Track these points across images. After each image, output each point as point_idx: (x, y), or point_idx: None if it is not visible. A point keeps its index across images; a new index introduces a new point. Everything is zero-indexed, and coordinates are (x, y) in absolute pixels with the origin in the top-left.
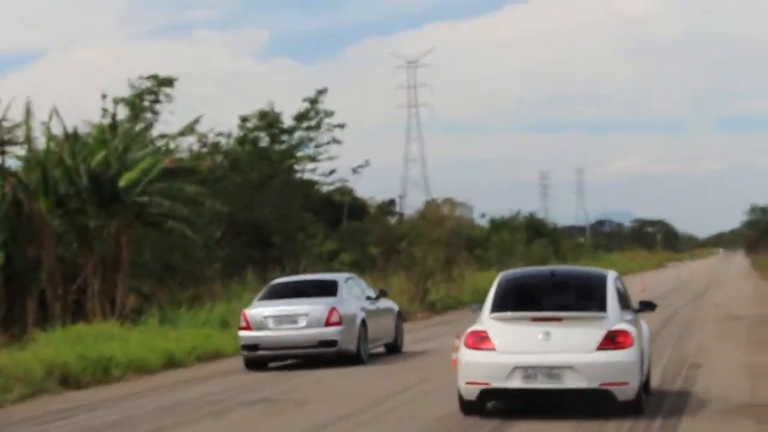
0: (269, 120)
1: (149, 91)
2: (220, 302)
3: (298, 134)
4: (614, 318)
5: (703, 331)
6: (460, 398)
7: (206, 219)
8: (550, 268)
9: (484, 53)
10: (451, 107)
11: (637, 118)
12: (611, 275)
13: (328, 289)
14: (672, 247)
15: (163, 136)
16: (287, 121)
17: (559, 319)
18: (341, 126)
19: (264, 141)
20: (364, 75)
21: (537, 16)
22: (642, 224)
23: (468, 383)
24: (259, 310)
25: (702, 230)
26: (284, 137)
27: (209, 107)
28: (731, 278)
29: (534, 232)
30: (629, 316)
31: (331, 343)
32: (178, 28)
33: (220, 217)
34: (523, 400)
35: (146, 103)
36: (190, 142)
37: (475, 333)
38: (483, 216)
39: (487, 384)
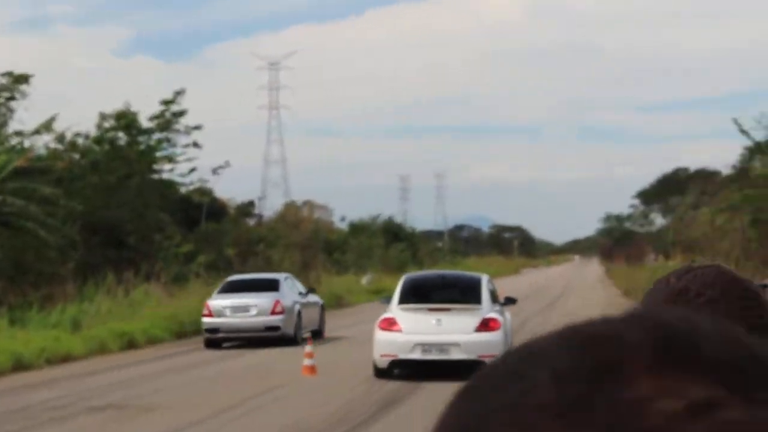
0: (127, 120)
1: (4, 88)
2: (73, 303)
3: (156, 135)
4: (487, 309)
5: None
6: (375, 367)
7: (61, 219)
8: (440, 272)
9: (346, 57)
10: (313, 110)
11: (497, 126)
12: (485, 278)
13: (272, 285)
14: (529, 252)
15: (18, 134)
16: (145, 122)
17: (447, 310)
18: (198, 128)
19: (122, 141)
20: (227, 75)
21: (399, 22)
22: (500, 230)
23: (382, 355)
24: (219, 301)
25: (558, 237)
26: (142, 138)
27: (68, 105)
28: (585, 286)
29: (392, 236)
30: (497, 308)
31: (275, 328)
32: (39, 22)
33: (75, 217)
34: (421, 367)
35: (0, 100)
36: (46, 141)
37: (386, 319)
38: (342, 219)
39: (395, 356)
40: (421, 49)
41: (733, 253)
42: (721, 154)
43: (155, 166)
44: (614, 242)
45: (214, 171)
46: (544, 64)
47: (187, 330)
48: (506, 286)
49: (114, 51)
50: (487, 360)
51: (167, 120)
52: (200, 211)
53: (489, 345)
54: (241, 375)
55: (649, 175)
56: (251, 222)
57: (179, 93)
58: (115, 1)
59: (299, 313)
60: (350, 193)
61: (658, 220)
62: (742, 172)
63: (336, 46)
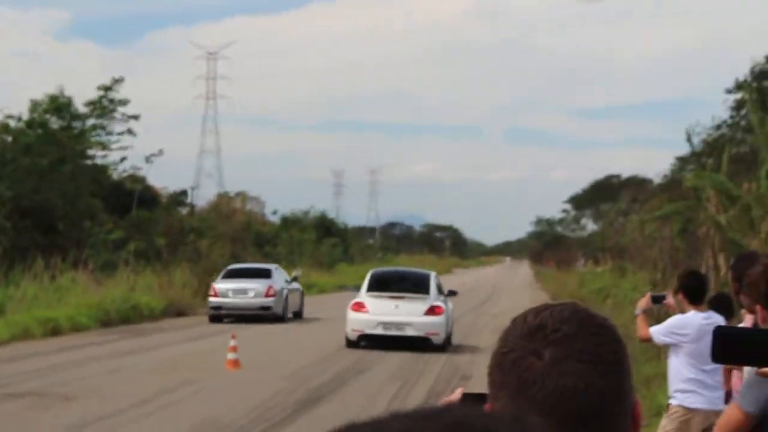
0: (59, 104)
1: None
2: None
3: (90, 122)
4: (433, 298)
5: (478, 341)
6: (347, 339)
7: None
8: (399, 268)
9: (285, 49)
10: (250, 101)
11: (434, 124)
12: (432, 274)
13: (265, 273)
14: (460, 253)
15: None
16: (81, 107)
17: (403, 297)
18: (135, 117)
19: (55, 125)
20: (166, 63)
21: (341, 17)
22: (432, 229)
23: (353, 330)
24: (222, 284)
25: (490, 238)
26: (76, 123)
27: (2, 87)
28: (514, 288)
29: (324, 231)
30: (442, 298)
31: (268, 308)
32: None
33: (3, 200)
34: (382, 341)
35: None
36: None
37: (357, 303)
38: (274, 212)
39: (362, 331)
40: (359, 44)
41: (661, 261)
42: (651, 164)
43: (89, 152)
44: (545, 246)
45: (148, 159)
46: (481, 64)
47: (112, 318)
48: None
49: (51, 34)
50: (432, 337)
51: (104, 107)
52: (132, 199)
53: (434, 325)
54: (164, 367)
55: (581, 180)
56: (184, 211)
57: (118, 80)
58: None
59: (286, 297)
60: (283, 186)
61: (590, 226)
62: (673, 182)
63: (275, 38)
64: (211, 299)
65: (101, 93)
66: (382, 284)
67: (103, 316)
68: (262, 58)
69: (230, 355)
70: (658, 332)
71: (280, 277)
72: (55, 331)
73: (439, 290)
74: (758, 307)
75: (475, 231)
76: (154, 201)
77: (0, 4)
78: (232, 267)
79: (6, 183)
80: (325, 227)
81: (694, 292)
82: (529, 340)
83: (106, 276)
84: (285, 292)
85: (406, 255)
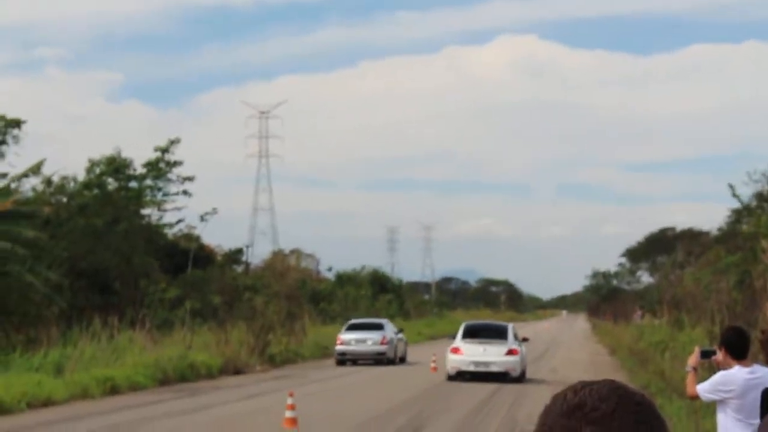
0: (116, 165)
1: None
2: (56, 347)
3: (147, 182)
4: (510, 342)
5: (537, 396)
6: (448, 374)
7: (46, 262)
8: (484, 321)
9: (336, 108)
10: (303, 160)
11: (485, 181)
12: (510, 325)
13: (379, 326)
14: (515, 307)
15: (2, 176)
16: (137, 167)
17: (488, 342)
18: (190, 178)
19: (111, 186)
20: (217, 123)
21: (391, 75)
22: (487, 283)
23: (451, 367)
24: (346, 335)
25: (545, 292)
26: (132, 184)
27: (59, 149)
28: (571, 341)
29: (379, 287)
30: (517, 342)
31: (382, 354)
32: (29, 65)
33: (60, 260)
34: (474, 376)
35: None
36: (34, 184)
37: (454, 348)
38: (329, 269)
39: (459, 368)
40: (411, 102)
41: (719, 314)
42: (706, 216)
43: (143, 212)
44: (601, 299)
45: (202, 218)
46: (531, 123)
47: (170, 377)
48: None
49: (105, 96)
50: (510, 372)
51: (160, 168)
52: (187, 258)
53: (512, 363)
54: (222, 426)
55: (633, 234)
56: (239, 269)
57: (174, 141)
58: (105, 45)
59: (395, 344)
60: (337, 243)
61: (645, 278)
62: (728, 234)
63: (327, 97)
64: (338, 347)
65: (158, 154)
66: (472, 333)
67: (161, 375)
68: (313, 116)
69: (287, 413)
70: (703, 390)
71: (390, 329)
72: (113, 391)
73: (515, 337)
74: None
75: (530, 285)
76: (209, 259)
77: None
78: (353, 321)
79: (62, 243)
80: (380, 283)
81: (736, 347)
82: (568, 418)
83: (163, 335)
84: (395, 341)
85: (462, 310)
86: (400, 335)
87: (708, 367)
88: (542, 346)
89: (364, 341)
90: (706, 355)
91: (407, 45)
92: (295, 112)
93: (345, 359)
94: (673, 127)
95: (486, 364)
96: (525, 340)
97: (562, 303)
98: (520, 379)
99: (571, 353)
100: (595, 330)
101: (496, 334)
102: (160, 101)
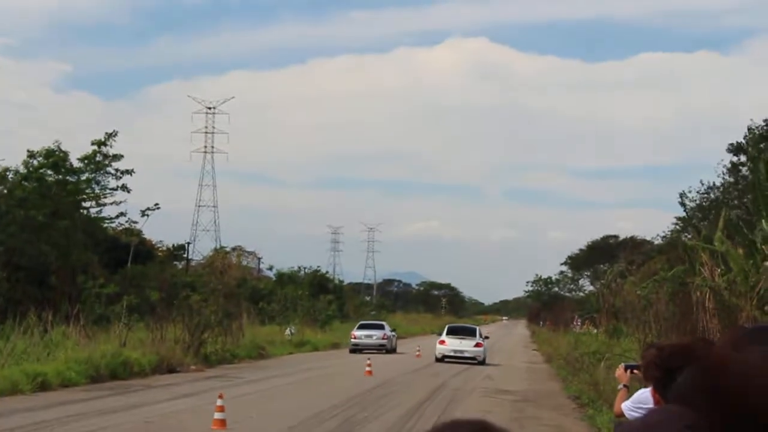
0: (55, 159)
1: None
2: None
3: (85, 176)
4: (478, 338)
5: (468, 404)
6: (436, 357)
7: None
8: (460, 324)
9: (285, 106)
10: (247, 156)
11: (433, 182)
12: (477, 327)
13: (381, 326)
14: (456, 311)
15: None
16: (73, 161)
17: (463, 338)
18: (129, 172)
19: (50, 178)
20: (164, 116)
21: (340, 74)
22: (429, 287)
23: (439, 353)
24: (358, 332)
25: (488, 296)
26: (71, 177)
27: (2, 137)
28: (509, 349)
29: (319, 287)
30: (482, 338)
31: (383, 346)
32: None
33: None
34: (452, 359)
35: None
36: None
37: (441, 340)
38: (270, 268)
39: (444, 354)
40: (359, 101)
41: (656, 324)
42: (651, 225)
43: (83, 205)
44: (542, 305)
45: (143, 212)
46: (481, 125)
47: (102, 374)
48: (433, 344)
49: (52, 86)
50: (478, 358)
51: (98, 162)
52: (127, 253)
53: (479, 352)
54: (151, 426)
55: (579, 240)
56: (180, 266)
57: (111, 135)
58: (54, 35)
59: (392, 339)
60: (280, 241)
61: (588, 286)
62: (670, 244)
63: (277, 95)
64: (352, 340)
65: (94, 148)
66: (453, 331)
67: (93, 372)
68: (260, 113)
69: (217, 415)
70: (626, 407)
71: (388, 329)
72: (43, 386)
73: (481, 335)
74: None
75: (473, 289)
76: (150, 255)
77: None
78: (362, 322)
79: (1, 235)
80: (320, 284)
81: None
82: None
83: (100, 330)
84: (391, 336)
85: (402, 313)
86: (394, 333)
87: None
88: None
89: (370, 336)
90: (630, 368)
91: (359, 44)
92: (243, 109)
93: (357, 349)
94: (623, 135)
95: (461, 351)
96: (487, 337)
97: (504, 308)
98: (483, 362)
99: (509, 359)
100: (534, 337)
101: (469, 332)
102: (109, 92)
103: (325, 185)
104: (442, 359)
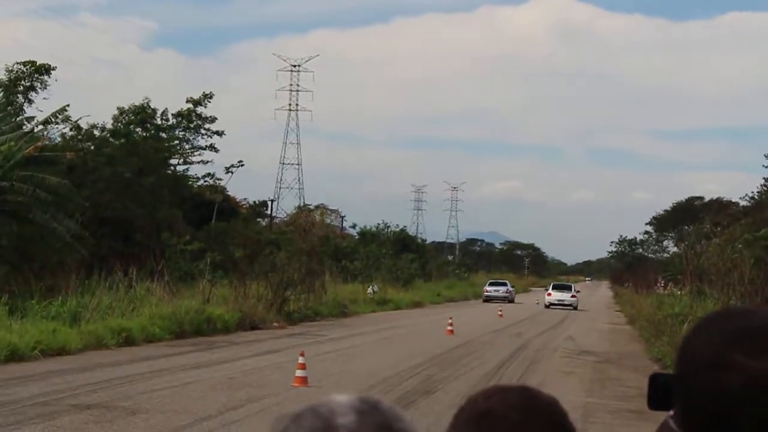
0: (144, 115)
1: (24, 76)
2: (74, 296)
3: (176, 132)
4: (573, 292)
5: (549, 365)
6: (545, 305)
7: (69, 210)
8: (562, 282)
9: (368, 64)
10: (332, 115)
11: (515, 142)
12: (573, 285)
13: (505, 283)
14: (539, 272)
15: (29, 119)
16: (168, 117)
17: (563, 291)
18: (220, 134)
19: (138, 135)
20: (249, 74)
21: (425, 32)
22: (512, 246)
23: (546, 302)
24: (488, 287)
25: (571, 257)
26: (161, 135)
27: (89, 94)
28: (591, 310)
29: (402, 246)
30: (575, 291)
31: (506, 297)
32: (63, 9)
33: (83, 208)
34: (556, 305)
35: (21, 89)
36: (62, 130)
37: (549, 293)
38: (353, 226)
39: (550, 302)
40: (444, 61)
41: (740, 287)
42: (737, 186)
43: (170, 162)
44: (626, 267)
45: (228, 169)
46: (564, 85)
47: (186, 330)
48: (515, 304)
49: (138, 43)
50: (574, 304)
51: (191, 121)
52: (212, 209)
53: (574, 301)
54: (232, 382)
55: (662, 201)
56: (263, 223)
57: (207, 96)
58: None
59: (512, 293)
60: (364, 200)
61: (672, 248)
62: (757, 206)
63: (359, 53)
64: (485, 293)
65: (189, 106)
66: (556, 287)
67: (176, 328)
68: (344, 71)
69: (298, 372)
70: None
71: (509, 285)
72: (128, 341)
73: (574, 289)
74: None
75: (556, 250)
76: (234, 212)
77: (85, 10)
78: (491, 281)
79: (86, 192)
80: (404, 243)
81: None
82: (476, 426)
83: (184, 286)
84: (512, 290)
85: (484, 272)
86: (513, 288)
87: None
88: (562, 313)
89: (498, 290)
90: None
91: (442, 2)
92: (327, 67)
93: (488, 299)
94: (708, 96)
95: (562, 300)
96: (578, 291)
97: (587, 269)
98: (576, 308)
99: (590, 321)
100: (617, 298)
101: (567, 288)
102: (193, 50)
103: (408, 144)
104: (548, 306)
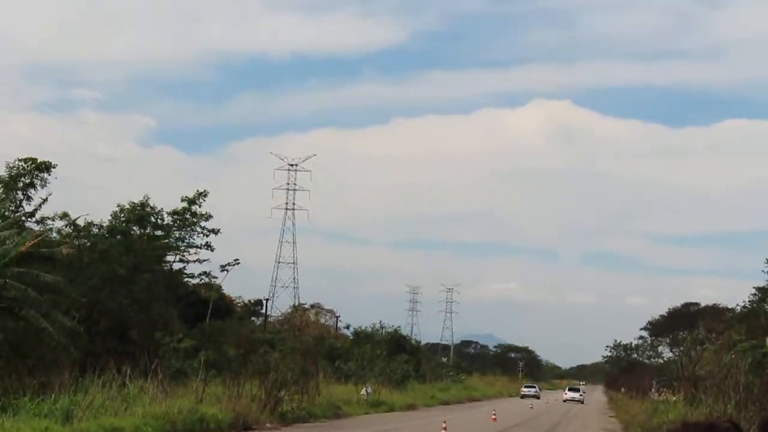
0: (141, 213)
1: (24, 173)
2: (67, 393)
3: (171, 231)
4: (581, 392)
5: None
6: (563, 400)
7: (64, 307)
8: (573, 385)
9: (367, 165)
10: (329, 215)
11: (512, 244)
12: (583, 385)
13: (533, 385)
14: (533, 375)
15: (28, 215)
16: (164, 217)
17: (575, 391)
18: (215, 232)
19: (135, 233)
20: (247, 173)
21: (423, 134)
22: (506, 349)
23: (564, 399)
24: (524, 390)
25: (565, 361)
26: (157, 233)
27: (87, 190)
28: (586, 415)
29: (396, 346)
30: (583, 392)
31: (537, 395)
32: (64, 106)
33: (78, 305)
34: (569, 401)
35: (20, 185)
36: (59, 226)
37: (564, 393)
38: (347, 327)
39: (565, 399)
40: (441, 162)
41: (736, 395)
42: (733, 292)
43: (166, 259)
44: (620, 371)
45: (223, 267)
46: (561, 189)
47: (178, 429)
48: (506, 408)
49: (137, 140)
50: (582, 399)
51: (186, 219)
52: (206, 307)
53: (582, 398)
54: None
55: (658, 306)
56: (258, 321)
57: (202, 194)
58: (140, 90)
59: (538, 391)
60: (358, 300)
61: (666, 353)
62: (751, 312)
63: (359, 153)
64: (522, 391)
65: (185, 205)
66: (569, 389)
67: (169, 427)
68: (342, 171)
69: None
70: None
71: (536, 386)
72: None
73: (582, 390)
74: None
75: (550, 353)
76: (229, 310)
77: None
78: (525, 384)
79: (81, 288)
80: (398, 343)
81: None
82: None
83: (177, 384)
84: (538, 390)
85: (479, 375)
86: (538, 389)
87: None
88: (556, 417)
89: (530, 390)
90: None
91: (441, 104)
92: (325, 166)
93: (524, 396)
94: (705, 202)
95: (573, 397)
96: (584, 392)
97: (581, 372)
98: (583, 402)
99: (585, 429)
100: (611, 403)
101: (577, 390)
102: (193, 148)
103: (404, 245)
104: (565, 401)
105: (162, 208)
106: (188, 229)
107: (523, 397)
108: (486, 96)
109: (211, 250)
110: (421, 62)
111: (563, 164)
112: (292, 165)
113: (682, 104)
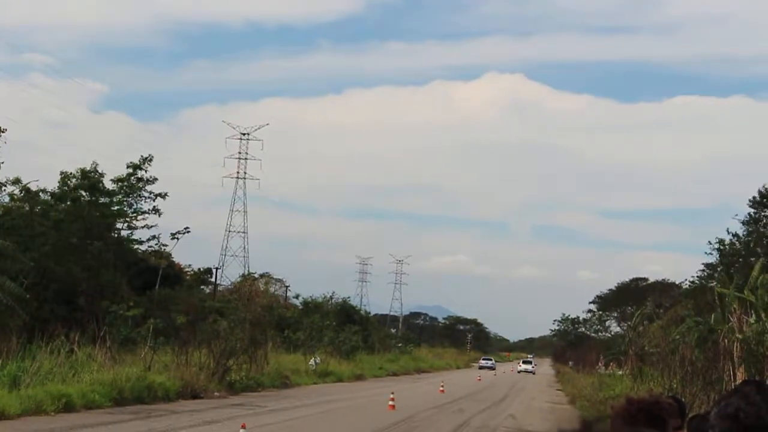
0: (92, 180)
1: None
2: (14, 360)
3: (118, 197)
4: (533, 364)
5: None
6: (517, 372)
7: (13, 272)
8: (526, 358)
9: (319, 134)
10: (280, 184)
11: (463, 216)
12: (532, 357)
13: (490, 358)
14: (482, 347)
15: None
16: (109, 183)
17: (527, 364)
18: (162, 195)
19: (84, 199)
20: (198, 141)
21: (376, 105)
22: (455, 321)
23: (518, 370)
24: (481, 362)
25: (513, 333)
26: (104, 199)
27: (37, 155)
28: (533, 387)
29: (346, 317)
30: (534, 365)
31: (492, 367)
32: (14, 70)
33: (27, 271)
34: (523, 372)
35: None
36: (10, 191)
37: (519, 363)
38: (297, 296)
39: (519, 370)
40: (393, 134)
41: (681, 369)
42: (680, 267)
43: (115, 227)
44: (568, 345)
45: (173, 236)
46: (512, 161)
47: (126, 397)
48: (455, 379)
49: (89, 105)
50: (534, 371)
51: (132, 185)
52: (156, 275)
53: (534, 369)
54: None
55: (607, 280)
56: (207, 290)
57: (147, 159)
58: (92, 56)
59: (494, 364)
60: (308, 269)
61: (614, 328)
62: (698, 289)
63: (311, 123)
64: (480, 363)
65: (129, 170)
66: (524, 361)
67: (117, 395)
68: (294, 141)
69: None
70: None
71: (493, 359)
72: (67, 408)
73: (533, 362)
74: None
75: (499, 325)
76: (178, 278)
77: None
78: (483, 357)
79: (30, 255)
80: (347, 314)
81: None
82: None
83: (126, 352)
84: (494, 363)
85: (427, 346)
86: (494, 362)
87: None
88: (503, 390)
89: (487, 362)
90: None
91: (395, 76)
92: (277, 136)
93: (482, 368)
94: (655, 177)
95: (526, 369)
96: (535, 365)
97: (530, 346)
98: (534, 373)
99: (532, 399)
100: (559, 377)
101: (529, 362)
102: (145, 115)
103: (355, 215)
104: (519, 372)
105: (105, 173)
106: (135, 195)
107: (481, 368)
108: (440, 68)
109: (159, 215)
110: (376, 33)
111: (515, 137)
112: (244, 134)
113: (635, 80)
